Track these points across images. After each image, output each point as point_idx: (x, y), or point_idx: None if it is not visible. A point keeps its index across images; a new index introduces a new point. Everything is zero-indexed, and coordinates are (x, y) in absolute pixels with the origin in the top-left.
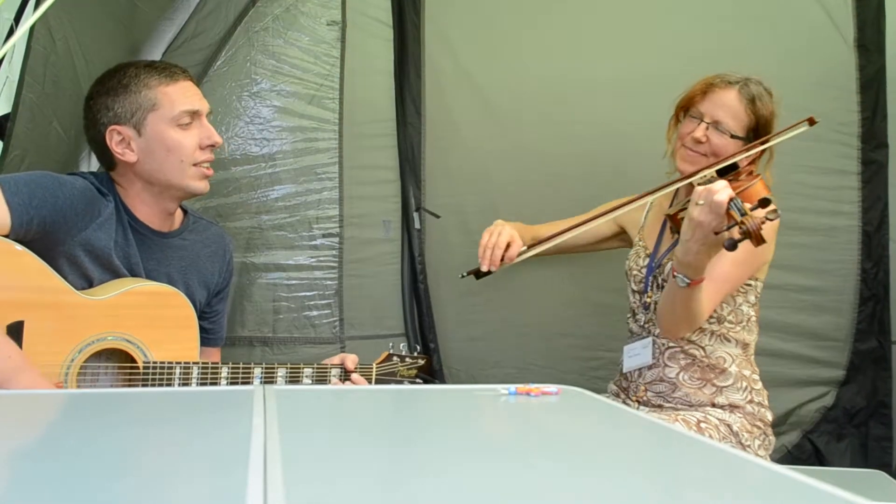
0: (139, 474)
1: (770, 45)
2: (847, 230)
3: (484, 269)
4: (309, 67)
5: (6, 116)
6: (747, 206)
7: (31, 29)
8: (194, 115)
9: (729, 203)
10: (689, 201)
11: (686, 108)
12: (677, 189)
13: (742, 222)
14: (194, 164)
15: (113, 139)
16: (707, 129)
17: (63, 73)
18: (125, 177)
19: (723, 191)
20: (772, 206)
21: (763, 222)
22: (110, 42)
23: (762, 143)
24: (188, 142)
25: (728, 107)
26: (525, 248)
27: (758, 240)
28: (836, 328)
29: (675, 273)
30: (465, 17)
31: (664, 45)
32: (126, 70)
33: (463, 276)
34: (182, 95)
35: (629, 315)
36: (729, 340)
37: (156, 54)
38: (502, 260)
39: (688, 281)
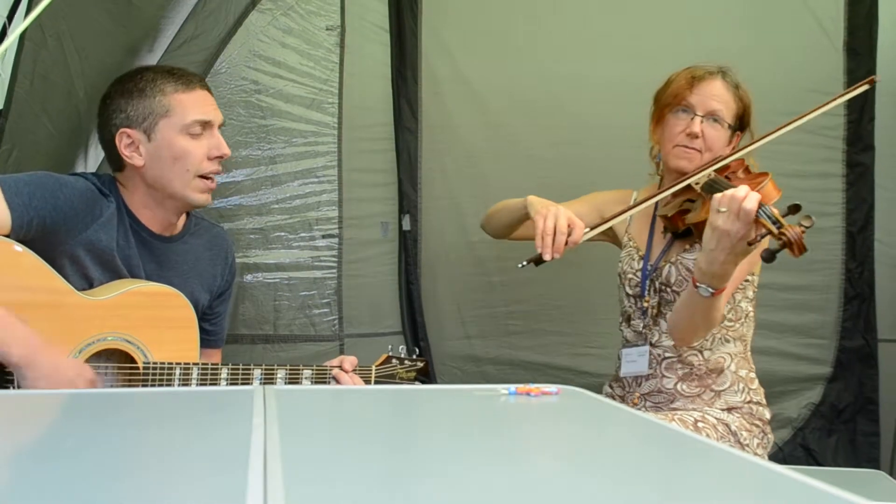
0: (139, 475)
1: (759, 50)
2: (831, 231)
3: (547, 257)
4: (308, 72)
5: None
6: (775, 211)
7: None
8: (206, 125)
9: (758, 210)
10: (687, 201)
11: (671, 104)
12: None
13: (781, 233)
14: (200, 176)
15: (122, 141)
16: (702, 122)
17: (54, 70)
18: (131, 180)
19: (750, 197)
20: (804, 213)
21: (803, 231)
22: (107, 41)
23: (802, 118)
24: (197, 151)
25: (718, 96)
26: (588, 229)
27: (801, 249)
28: (821, 326)
29: (698, 283)
30: (462, 22)
31: (657, 50)
32: (144, 74)
33: (522, 266)
34: (196, 104)
35: (621, 320)
36: (729, 340)
37: (155, 54)
38: (565, 244)
39: (712, 291)
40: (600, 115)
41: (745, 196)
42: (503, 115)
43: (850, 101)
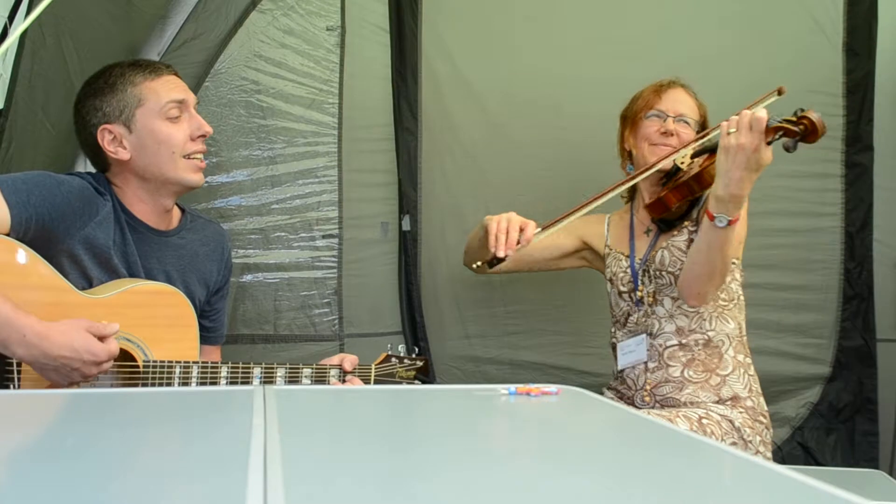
0: (139, 474)
1: (758, 51)
2: (829, 231)
3: (501, 254)
4: (308, 72)
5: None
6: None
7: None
8: (182, 106)
9: (767, 119)
10: (670, 181)
11: (643, 110)
12: (637, 185)
13: (801, 120)
14: (186, 156)
15: (105, 138)
16: (674, 122)
17: (52, 70)
18: (120, 176)
19: (759, 109)
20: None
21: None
22: (107, 41)
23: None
24: (179, 134)
25: (683, 101)
26: (539, 229)
27: (823, 127)
28: (820, 326)
29: (715, 215)
30: (462, 22)
31: (656, 50)
32: (112, 70)
33: (476, 267)
34: (166, 87)
35: (615, 329)
36: (728, 321)
37: (154, 54)
38: (517, 243)
39: (729, 219)
40: (600, 114)
41: (755, 110)
42: (503, 115)
43: (849, 101)
